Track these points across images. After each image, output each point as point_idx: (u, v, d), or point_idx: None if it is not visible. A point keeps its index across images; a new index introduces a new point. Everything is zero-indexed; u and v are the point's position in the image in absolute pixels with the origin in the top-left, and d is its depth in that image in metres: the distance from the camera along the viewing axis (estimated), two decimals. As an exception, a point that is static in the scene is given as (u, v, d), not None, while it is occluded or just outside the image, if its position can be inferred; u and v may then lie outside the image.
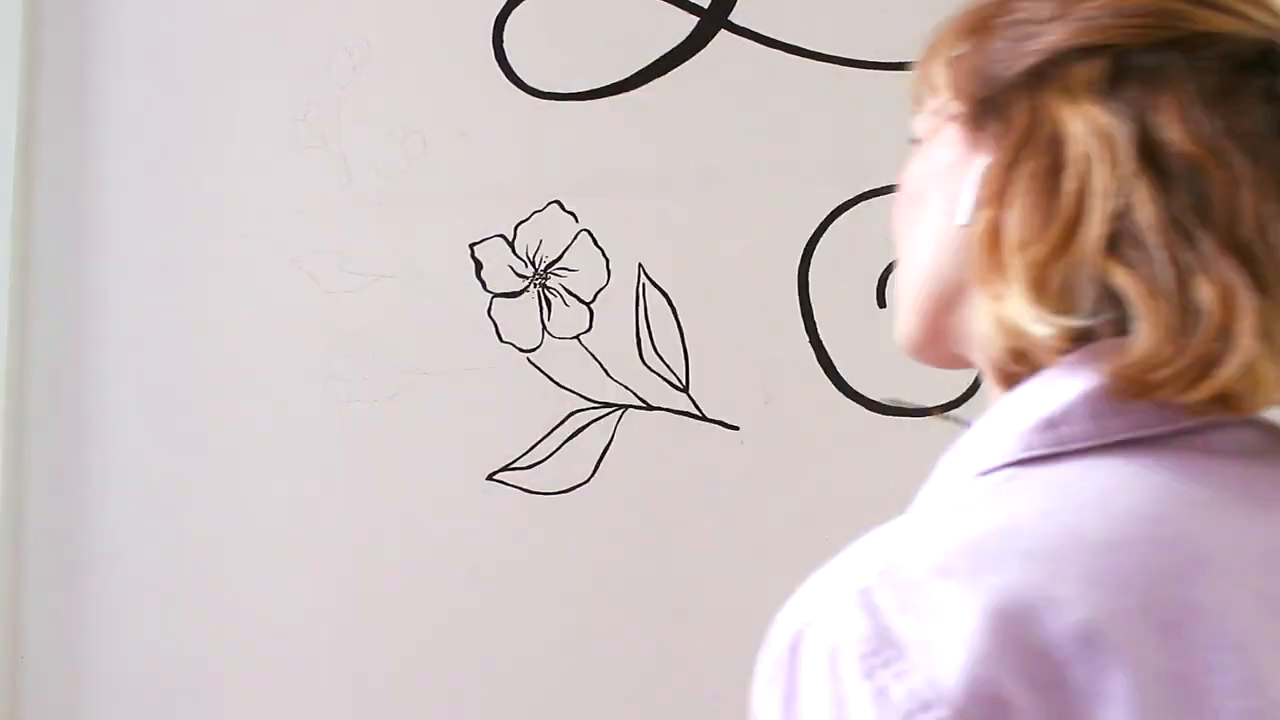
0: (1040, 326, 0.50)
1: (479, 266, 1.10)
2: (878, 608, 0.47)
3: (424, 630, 1.07)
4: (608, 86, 1.13)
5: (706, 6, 1.14)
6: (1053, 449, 0.50)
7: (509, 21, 1.13)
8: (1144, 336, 0.49)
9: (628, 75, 1.13)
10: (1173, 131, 0.52)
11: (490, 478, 1.07)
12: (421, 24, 1.13)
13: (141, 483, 1.08)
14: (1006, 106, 0.55)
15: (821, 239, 1.10)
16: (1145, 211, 0.51)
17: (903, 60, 1.14)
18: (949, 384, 1.08)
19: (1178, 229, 0.51)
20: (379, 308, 1.09)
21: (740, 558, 1.06)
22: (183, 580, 1.07)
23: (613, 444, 1.07)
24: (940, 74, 0.59)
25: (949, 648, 0.46)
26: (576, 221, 1.10)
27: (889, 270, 1.10)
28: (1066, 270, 0.51)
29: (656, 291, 1.09)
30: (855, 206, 1.10)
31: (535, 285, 1.09)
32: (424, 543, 1.07)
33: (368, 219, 1.10)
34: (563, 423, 1.08)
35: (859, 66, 1.13)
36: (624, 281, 1.09)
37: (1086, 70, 0.54)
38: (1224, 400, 0.50)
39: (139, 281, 1.10)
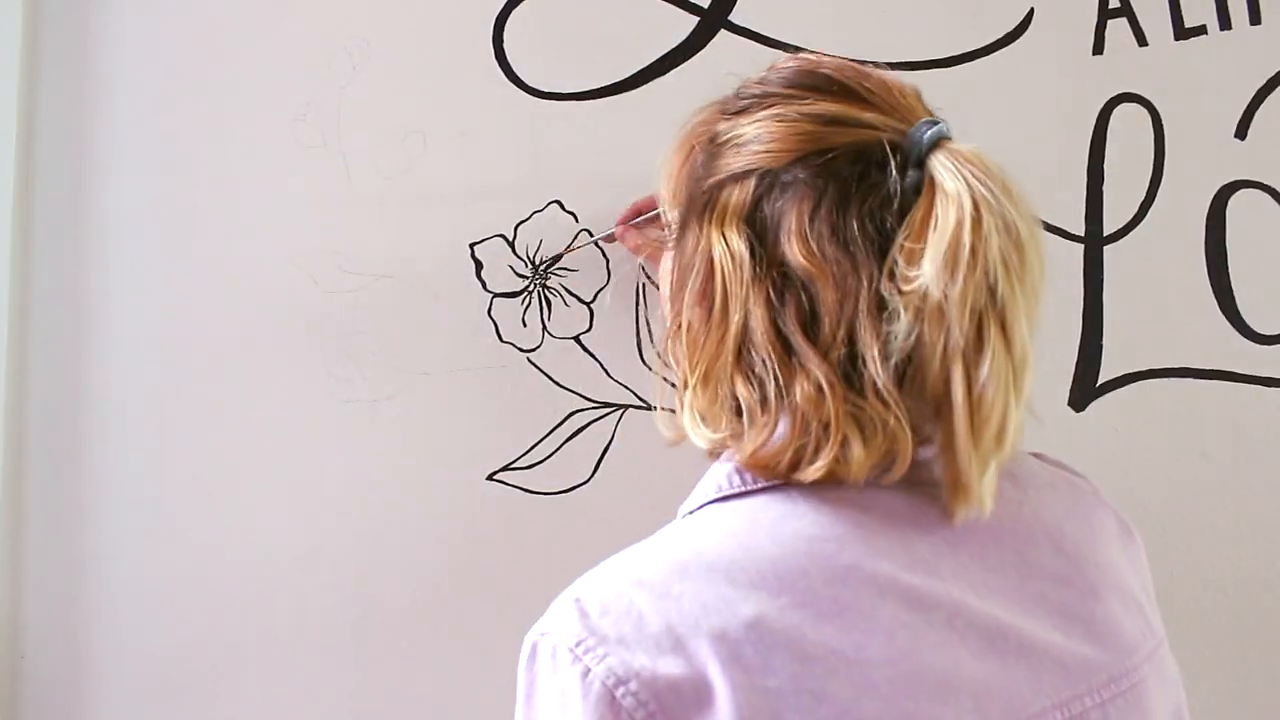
0: (697, 440, 0.67)
1: (479, 266, 1.10)
2: (586, 612, 0.60)
3: (423, 629, 1.07)
4: (608, 86, 1.13)
5: (706, 6, 1.15)
6: (728, 493, 0.65)
7: (509, 21, 1.13)
8: (746, 443, 0.64)
9: (628, 75, 1.13)
10: (792, 246, 0.63)
11: (490, 478, 1.07)
12: (421, 24, 1.13)
13: (141, 481, 1.08)
14: (685, 230, 0.68)
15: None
16: (757, 326, 0.63)
17: (902, 60, 1.14)
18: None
19: (780, 339, 0.63)
20: (379, 308, 1.09)
21: (740, 557, 1.05)
22: (182, 579, 1.07)
23: (613, 444, 1.07)
24: (664, 186, 0.72)
25: (641, 642, 0.57)
26: (577, 221, 1.10)
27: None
28: (708, 392, 0.65)
29: (656, 291, 1.09)
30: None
31: (535, 285, 1.09)
32: (424, 542, 1.06)
33: (368, 219, 1.10)
34: (563, 423, 1.08)
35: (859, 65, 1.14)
36: (624, 281, 1.09)
37: (737, 193, 0.65)
38: (832, 475, 0.62)
39: (138, 281, 1.10)
